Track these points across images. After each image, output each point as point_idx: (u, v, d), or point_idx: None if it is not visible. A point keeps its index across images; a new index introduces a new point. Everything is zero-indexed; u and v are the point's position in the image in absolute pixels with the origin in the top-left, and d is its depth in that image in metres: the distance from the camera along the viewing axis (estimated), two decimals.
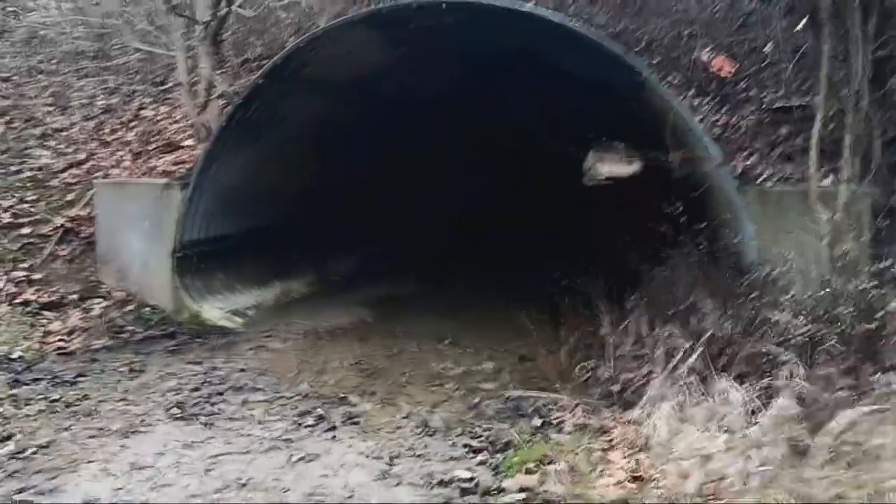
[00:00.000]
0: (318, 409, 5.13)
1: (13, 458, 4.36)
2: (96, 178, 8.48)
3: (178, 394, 5.50)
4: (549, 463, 4.07)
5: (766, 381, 4.22)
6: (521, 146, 11.08)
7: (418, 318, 7.88)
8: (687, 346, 4.79)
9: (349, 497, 3.91)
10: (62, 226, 8.12)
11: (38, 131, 9.52)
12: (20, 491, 3.98)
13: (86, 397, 5.40)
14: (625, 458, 4.01)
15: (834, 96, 5.62)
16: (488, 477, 4.09)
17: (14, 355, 6.30)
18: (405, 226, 10.88)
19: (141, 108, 9.80)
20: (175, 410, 5.13)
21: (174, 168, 8.30)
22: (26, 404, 5.21)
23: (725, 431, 3.82)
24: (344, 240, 10.22)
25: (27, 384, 5.64)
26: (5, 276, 7.38)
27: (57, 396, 5.38)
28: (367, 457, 4.39)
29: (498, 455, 4.36)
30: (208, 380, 5.80)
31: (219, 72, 8.28)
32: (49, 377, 5.82)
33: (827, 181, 5.67)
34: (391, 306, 8.53)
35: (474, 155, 12.32)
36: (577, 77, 7.40)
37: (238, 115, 7.36)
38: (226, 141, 7.46)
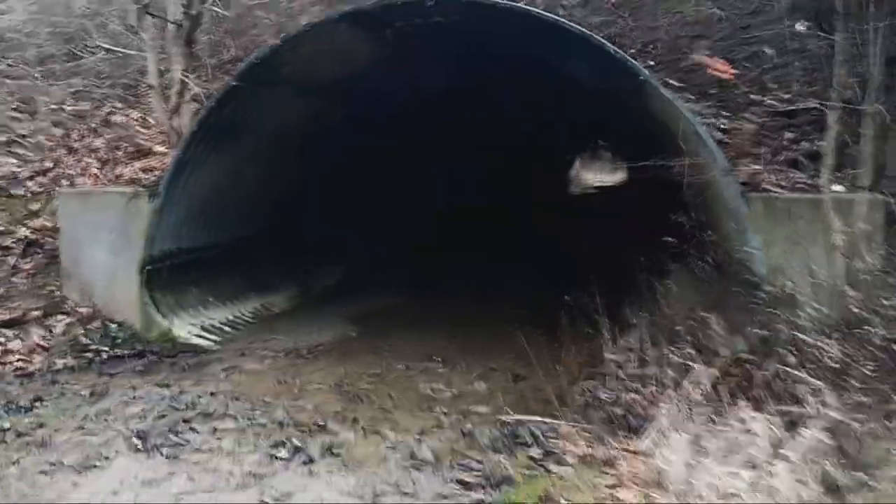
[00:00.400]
0: (295, 439, 4.72)
1: None
2: (62, 186, 8.02)
3: (141, 421, 5.11)
4: (552, 502, 3.66)
5: (787, 406, 3.84)
6: (516, 148, 10.85)
7: (405, 333, 7.53)
8: (695, 366, 4.43)
9: None
10: (25, 238, 7.72)
11: (3, 138, 9.05)
12: None
13: (41, 425, 5.06)
14: (636, 497, 3.59)
15: (846, 100, 5.31)
16: None
17: None
18: (391, 230, 10.53)
19: (111, 113, 9.34)
20: (136, 441, 4.73)
21: (144, 175, 7.87)
22: None
23: (750, 467, 3.42)
24: (327, 248, 9.81)
25: None
26: None
27: (8, 425, 5.04)
28: (348, 495, 4.01)
29: (494, 492, 3.96)
30: (175, 405, 5.39)
31: (192, 74, 7.87)
32: (3, 402, 5.50)
33: (838, 188, 5.37)
34: (377, 319, 8.19)
35: (463, 155, 12.05)
36: (572, 79, 7.08)
37: (211, 119, 6.94)
38: (198, 146, 7.04)
